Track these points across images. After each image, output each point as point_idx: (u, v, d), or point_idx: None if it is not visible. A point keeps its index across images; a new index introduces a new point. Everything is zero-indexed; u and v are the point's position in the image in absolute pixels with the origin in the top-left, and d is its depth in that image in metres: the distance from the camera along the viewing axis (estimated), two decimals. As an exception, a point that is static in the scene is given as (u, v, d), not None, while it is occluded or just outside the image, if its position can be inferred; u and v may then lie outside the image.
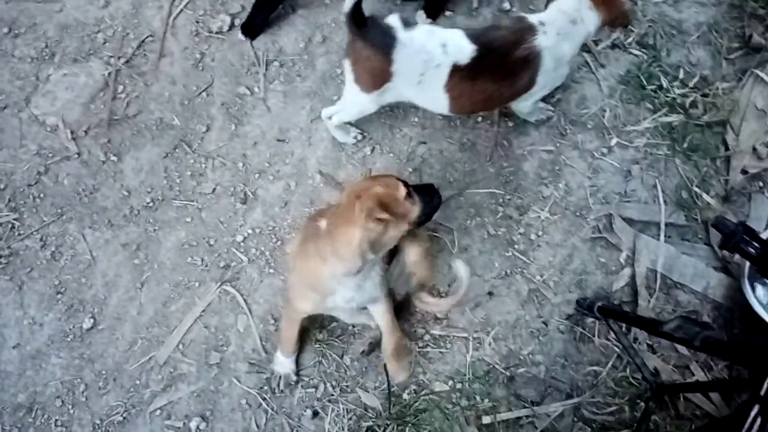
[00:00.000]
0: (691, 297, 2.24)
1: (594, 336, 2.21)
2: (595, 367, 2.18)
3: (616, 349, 2.18)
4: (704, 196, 2.33)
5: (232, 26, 2.56)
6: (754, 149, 2.39)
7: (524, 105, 2.17)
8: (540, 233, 2.34)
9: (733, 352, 1.60)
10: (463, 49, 1.87)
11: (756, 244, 1.51)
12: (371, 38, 1.85)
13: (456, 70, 1.87)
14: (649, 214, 2.34)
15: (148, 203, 2.34)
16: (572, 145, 2.42)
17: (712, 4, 2.60)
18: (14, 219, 2.31)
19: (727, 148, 2.39)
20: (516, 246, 2.32)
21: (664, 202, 2.34)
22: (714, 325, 2.06)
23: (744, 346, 1.60)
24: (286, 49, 2.58)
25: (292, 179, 2.38)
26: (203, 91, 2.50)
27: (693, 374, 2.13)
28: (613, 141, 2.42)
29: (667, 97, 2.43)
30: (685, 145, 2.39)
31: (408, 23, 1.89)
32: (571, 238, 2.33)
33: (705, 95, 2.43)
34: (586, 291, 2.27)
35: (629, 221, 2.33)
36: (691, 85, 2.45)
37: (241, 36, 2.53)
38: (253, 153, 2.42)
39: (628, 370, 2.17)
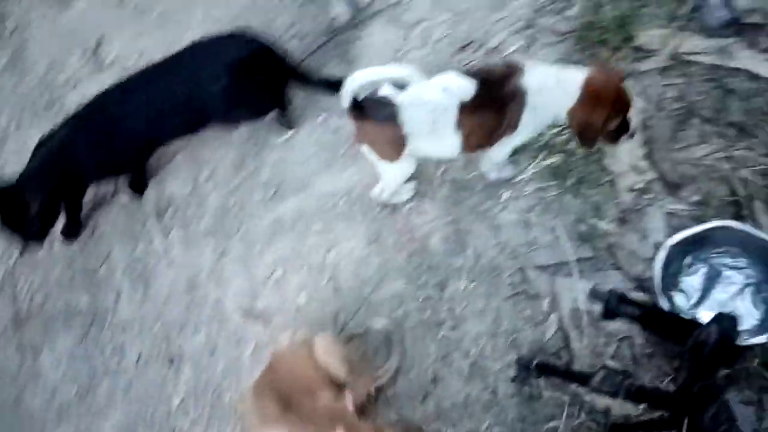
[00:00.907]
0: (617, 324, 2.30)
1: (542, 391, 2.24)
2: (551, 423, 2.20)
3: (566, 399, 2.21)
4: (601, 224, 2.41)
5: (115, 192, 2.56)
6: (634, 166, 2.50)
7: (501, 151, 2.22)
8: (464, 305, 2.38)
9: (653, 399, 1.65)
10: (467, 87, 1.92)
11: (633, 306, 1.58)
12: (375, 116, 1.94)
13: (463, 108, 1.94)
14: (558, 255, 2.41)
15: (74, 395, 2.27)
16: (468, 210, 2.49)
17: (558, 42, 2.74)
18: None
19: (608, 172, 2.49)
20: (445, 324, 2.35)
21: (568, 239, 2.40)
22: (631, 373, 2.09)
23: (661, 393, 1.66)
24: (176, 194, 2.59)
25: (212, 325, 2.37)
26: (103, 262, 2.48)
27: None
28: (505, 196, 2.50)
29: (543, 141, 2.54)
30: (571, 181, 2.49)
31: (400, 86, 1.94)
32: (493, 301, 2.37)
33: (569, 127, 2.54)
34: (522, 348, 2.30)
35: (542, 268, 2.40)
36: (560, 123, 2.56)
37: (127, 197, 2.53)
38: (167, 310, 2.40)
39: (582, 415, 2.20)
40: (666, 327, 1.81)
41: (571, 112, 1.84)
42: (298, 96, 2.69)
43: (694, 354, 1.60)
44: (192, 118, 2.21)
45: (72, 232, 2.52)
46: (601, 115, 1.84)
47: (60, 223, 2.49)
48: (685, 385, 1.57)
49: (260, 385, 1.84)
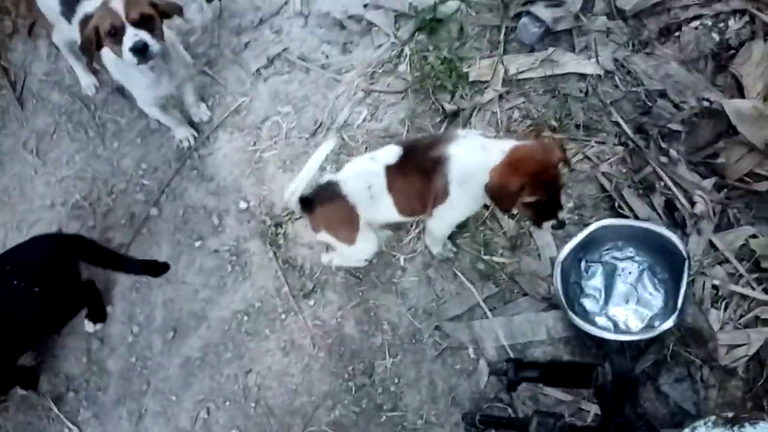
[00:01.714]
0: (542, 347, 2.33)
1: (495, 440, 2.21)
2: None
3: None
4: (495, 258, 2.46)
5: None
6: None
7: (438, 225, 2.20)
8: (396, 380, 2.34)
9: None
10: (391, 152, 2.01)
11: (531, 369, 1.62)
12: (324, 200, 2.04)
13: (390, 170, 1.99)
14: (466, 300, 2.43)
15: None
16: (371, 285, 2.47)
17: (401, 99, 2.82)
18: None
19: (487, 208, 2.55)
20: (384, 407, 2.30)
21: (470, 282, 2.43)
22: (562, 414, 2.10)
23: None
24: (71, 373, 2.42)
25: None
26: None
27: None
28: (401, 260, 2.50)
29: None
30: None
31: (338, 168, 2.10)
32: (423, 367, 2.36)
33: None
34: (464, 404, 2.29)
35: (456, 318, 2.40)
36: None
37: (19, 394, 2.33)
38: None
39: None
40: (568, 377, 1.84)
41: (491, 172, 1.85)
42: (169, 230, 2.60)
43: (599, 395, 1.63)
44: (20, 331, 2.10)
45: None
46: (517, 182, 1.78)
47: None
48: (603, 423, 1.60)
49: None
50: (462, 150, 1.94)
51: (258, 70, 2.88)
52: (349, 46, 2.94)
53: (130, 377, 2.41)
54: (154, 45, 2.09)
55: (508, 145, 1.89)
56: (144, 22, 2.08)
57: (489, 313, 2.40)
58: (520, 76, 2.78)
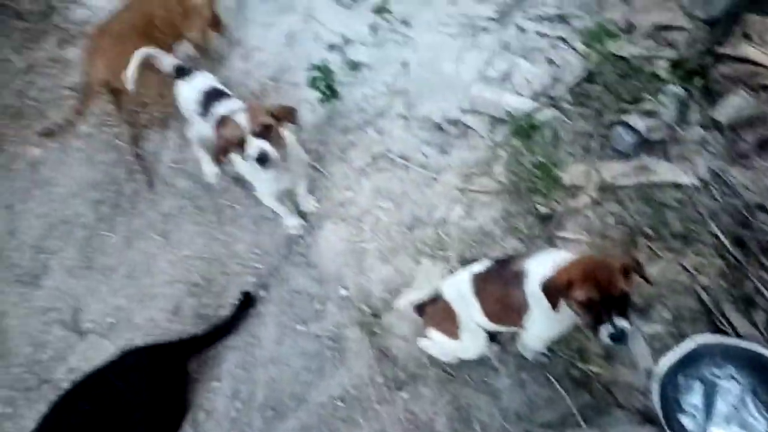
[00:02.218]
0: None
1: None
2: None
3: None
4: (590, 366, 2.46)
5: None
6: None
7: (530, 338, 2.27)
8: (486, 483, 2.33)
9: None
10: (482, 264, 2.23)
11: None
12: (431, 303, 2.36)
13: (476, 277, 2.19)
14: (559, 408, 2.44)
15: None
16: (463, 384, 2.52)
17: (495, 199, 2.93)
18: None
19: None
20: None
21: (564, 390, 2.44)
22: None
23: None
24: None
25: None
26: None
27: None
28: (495, 361, 2.54)
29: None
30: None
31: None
32: (514, 472, 2.34)
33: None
34: None
35: (548, 425, 2.41)
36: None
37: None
38: None
39: None
40: None
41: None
42: (276, 313, 2.78)
43: None
44: None
45: None
46: (565, 276, 1.83)
47: None
48: None
49: None
50: (536, 264, 2.03)
51: (362, 168, 3.09)
52: (447, 148, 3.12)
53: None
54: (273, 153, 2.33)
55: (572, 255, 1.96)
56: (264, 132, 2.33)
57: (583, 424, 2.38)
58: (615, 183, 2.84)
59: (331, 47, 3.27)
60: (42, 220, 3.23)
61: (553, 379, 2.47)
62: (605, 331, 1.84)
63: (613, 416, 2.39)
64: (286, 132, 2.56)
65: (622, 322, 1.83)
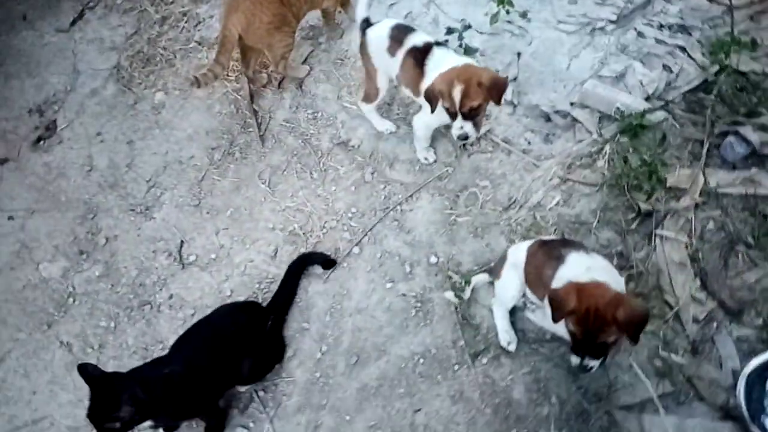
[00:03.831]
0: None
1: None
2: None
3: None
4: (675, 357, 2.66)
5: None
6: (693, 297, 2.80)
7: (539, 314, 2.71)
8: (557, 453, 2.56)
9: None
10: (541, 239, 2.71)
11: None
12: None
13: (533, 244, 2.65)
14: (640, 393, 2.63)
15: None
16: (544, 359, 2.76)
17: (595, 191, 3.17)
18: None
19: (671, 307, 2.78)
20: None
21: (646, 377, 2.63)
22: None
23: None
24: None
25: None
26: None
27: None
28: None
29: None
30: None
31: None
32: (586, 446, 2.55)
33: (629, 269, 2.87)
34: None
35: (627, 408, 2.61)
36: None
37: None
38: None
39: None
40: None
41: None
42: (366, 269, 3.10)
43: None
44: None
45: (170, 429, 2.81)
46: (570, 305, 2.14)
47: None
48: None
49: None
50: (576, 259, 2.32)
51: (464, 145, 3.40)
52: (551, 137, 3.38)
53: (312, 390, 2.85)
54: (472, 135, 2.75)
55: (603, 278, 2.18)
56: (473, 112, 2.68)
57: (662, 411, 2.57)
58: (719, 190, 3.03)
59: (449, 31, 3.60)
60: (158, 158, 3.69)
61: (635, 365, 2.66)
62: (574, 359, 2.26)
63: (693, 408, 2.58)
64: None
65: (590, 362, 2.24)
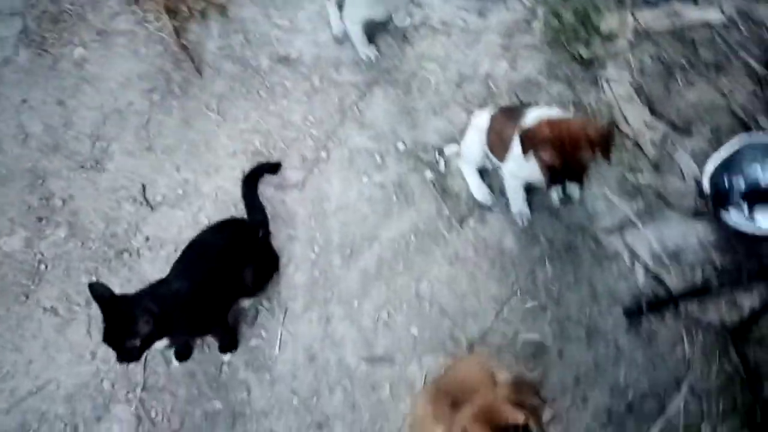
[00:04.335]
0: (694, 253, 2.76)
1: (657, 329, 2.64)
2: (677, 351, 2.59)
3: (681, 326, 2.62)
4: (640, 178, 2.94)
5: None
6: (646, 125, 3.08)
7: (507, 172, 2.73)
8: (557, 285, 2.82)
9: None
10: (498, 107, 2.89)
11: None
12: None
13: (492, 116, 2.80)
14: (617, 216, 2.90)
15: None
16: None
17: (538, 52, 3.39)
18: None
19: (629, 137, 3.05)
20: (547, 307, 2.77)
21: (620, 200, 2.91)
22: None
23: None
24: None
25: (344, 383, 2.71)
26: (222, 366, 2.82)
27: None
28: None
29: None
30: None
31: None
32: (581, 272, 2.84)
33: (584, 113, 3.12)
34: (623, 301, 2.72)
35: (608, 230, 2.88)
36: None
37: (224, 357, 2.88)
38: (298, 385, 2.74)
39: (700, 333, 2.59)
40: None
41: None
42: (338, 169, 3.21)
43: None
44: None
45: (183, 356, 2.86)
46: (544, 134, 2.23)
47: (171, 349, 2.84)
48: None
49: (432, 389, 2.18)
50: (535, 111, 2.47)
51: (404, 36, 3.52)
52: (485, 12, 3.56)
53: (315, 289, 2.97)
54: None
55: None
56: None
57: (640, 226, 2.86)
58: (649, 29, 3.31)
59: None
60: (95, 112, 3.61)
61: (608, 192, 2.93)
62: (556, 191, 2.32)
63: (667, 217, 2.88)
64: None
65: (572, 188, 2.30)
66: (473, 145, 2.83)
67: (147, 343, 2.32)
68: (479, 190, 2.96)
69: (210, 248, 2.68)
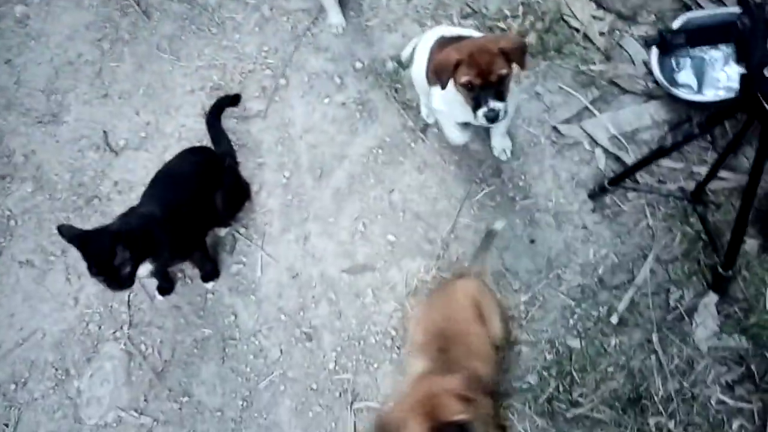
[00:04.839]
0: (649, 131, 2.85)
1: (621, 206, 2.73)
2: (641, 224, 2.68)
3: (642, 201, 2.70)
4: (592, 68, 2.99)
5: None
6: (593, 17, 3.11)
7: (434, 101, 2.62)
8: (522, 177, 2.88)
9: (722, 112, 2.08)
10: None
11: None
12: None
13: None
14: (574, 106, 2.96)
15: (241, 407, 2.59)
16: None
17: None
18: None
19: (577, 30, 3.09)
20: (517, 198, 2.83)
21: (575, 91, 2.96)
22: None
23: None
24: (239, 216, 2.98)
25: (328, 294, 2.75)
26: (206, 294, 2.83)
27: (706, 161, 2.72)
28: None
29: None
30: (552, 52, 3.06)
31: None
32: (545, 162, 2.90)
33: (534, 15, 3.14)
34: (587, 185, 2.80)
35: (567, 121, 2.93)
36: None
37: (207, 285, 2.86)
38: (283, 303, 2.77)
39: (661, 207, 2.69)
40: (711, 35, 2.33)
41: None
42: (299, 94, 3.19)
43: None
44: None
45: (166, 290, 2.86)
46: (454, 57, 2.15)
47: (152, 283, 2.84)
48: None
49: (425, 312, 2.23)
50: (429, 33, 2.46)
51: None
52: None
53: (290, 211, 2.98)
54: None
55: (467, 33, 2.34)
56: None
57: (597, 113, 2.91)
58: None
59: None
60: (45, 67, 3.51)
61: (563, 85, 2.98)
62: (481, 112, 2.23)
63: (621, 101, 2.94)
64: None
65: (497, 105, 2.22)
66: (422, 73, 2.67)
67: (134, 267, 2.31)
68: (423, 110, 2.98)
69: (177, 175, 2.67)
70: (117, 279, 2.27)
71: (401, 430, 1.51)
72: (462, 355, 1.99)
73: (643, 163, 2.43)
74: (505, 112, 2.26)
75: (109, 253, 2.25)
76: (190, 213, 2.58)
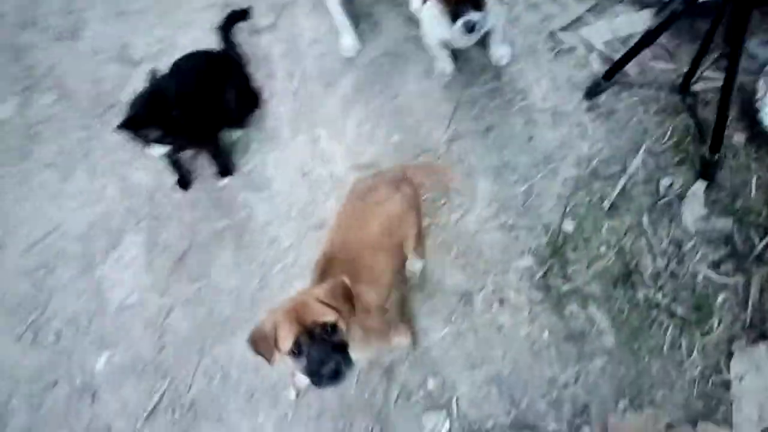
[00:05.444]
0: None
1: (615, 105, 2.83)
2: (634, 119, 2.78)
3: (636, 98, 2.80)
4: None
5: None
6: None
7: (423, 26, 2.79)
8: (521, 81, 2.97)
9: None
10: None
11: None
12: None
13: None
14: (571, 14, 3.05)
15: (256, 286, 2.71)
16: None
17: None
18: None
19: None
20: (515, 100, 2.93)
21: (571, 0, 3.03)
22: None
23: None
24: (251, 120, 3.09)
25: (338, 191, 2.86)
26: (221, 190, 2.94)
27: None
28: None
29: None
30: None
31: None
32: (542, 68, 3.01)
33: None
34: (582, 87, 2.89)
35: (564, 28, 3.02)
36: None
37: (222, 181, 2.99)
38: (295, 198, 2.89)
39: (659, 102, 2.78)
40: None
41: None
42: (300, 7, 3.27)
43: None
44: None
45: (185, 184, 2.98)
46: None
47: (171, 179, 2.96)
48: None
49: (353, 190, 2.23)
50: None
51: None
52: None
53: (300, 117, 3.08)
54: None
55: None
56: None
57: (593, 19, 3.00)
58: None
59: None
60: (63, -14, 3.59)
61: (562, -7, 3.05)
62: (460, 23, 2.39)
63: (616, 10, 3.03)
64: None
65: (474, 15, 2.36)
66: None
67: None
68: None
69: (190, 68, 2.78)
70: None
71: (276, 331, 1.64)
72: (353, 278, 1.83)
73: (635, 50, 2.52)
74: (485, 22, 2.37)
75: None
76: (203, 99, 2.69)
